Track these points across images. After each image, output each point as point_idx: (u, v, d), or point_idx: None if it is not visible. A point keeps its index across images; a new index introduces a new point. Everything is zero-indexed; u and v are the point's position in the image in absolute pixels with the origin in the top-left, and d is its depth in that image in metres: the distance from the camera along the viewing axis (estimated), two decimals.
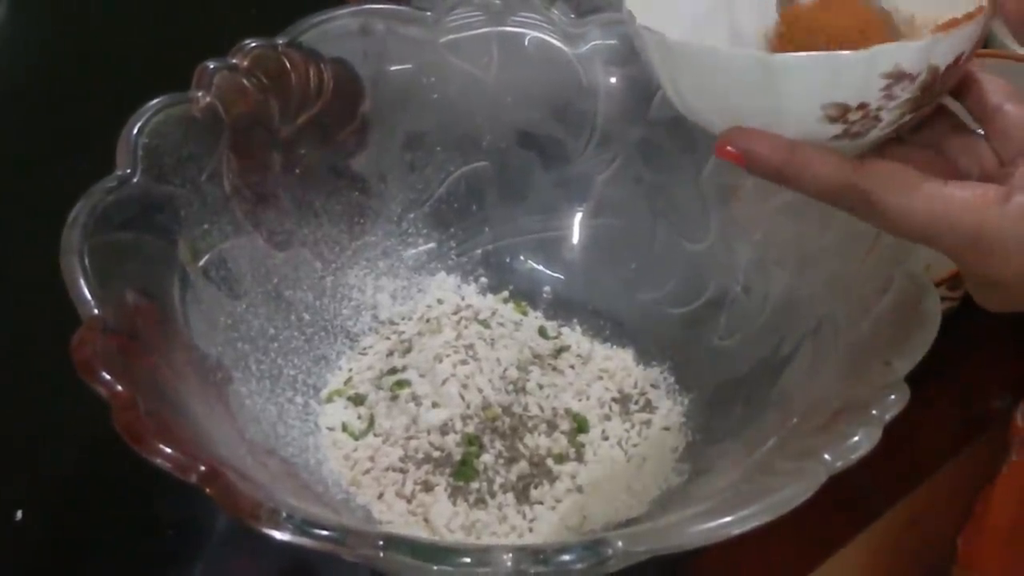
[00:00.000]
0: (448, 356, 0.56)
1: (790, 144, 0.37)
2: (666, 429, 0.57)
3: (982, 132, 0.38)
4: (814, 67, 0.35)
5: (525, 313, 0.63)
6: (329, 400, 0.57)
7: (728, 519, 0.37)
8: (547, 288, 0.64)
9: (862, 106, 0.36)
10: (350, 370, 0.59)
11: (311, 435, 0.54)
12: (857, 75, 0.35)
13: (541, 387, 0.57)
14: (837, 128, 0.36)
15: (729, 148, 0.38)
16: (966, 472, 0.60)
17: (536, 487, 0.52)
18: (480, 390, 0.55)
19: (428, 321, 0.60)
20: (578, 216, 0.65)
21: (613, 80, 0.63)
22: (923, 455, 0.58)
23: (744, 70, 0.36)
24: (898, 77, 0.35)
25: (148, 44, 0.87)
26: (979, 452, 0.60)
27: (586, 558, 0.36)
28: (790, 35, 0.42)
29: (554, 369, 0.59)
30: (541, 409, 0.56)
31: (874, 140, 0.38)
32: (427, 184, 0.64)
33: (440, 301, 0.63)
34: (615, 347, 0.61)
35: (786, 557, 0.54)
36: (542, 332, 0.62)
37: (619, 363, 0.60)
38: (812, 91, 0.36)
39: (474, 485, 0.52)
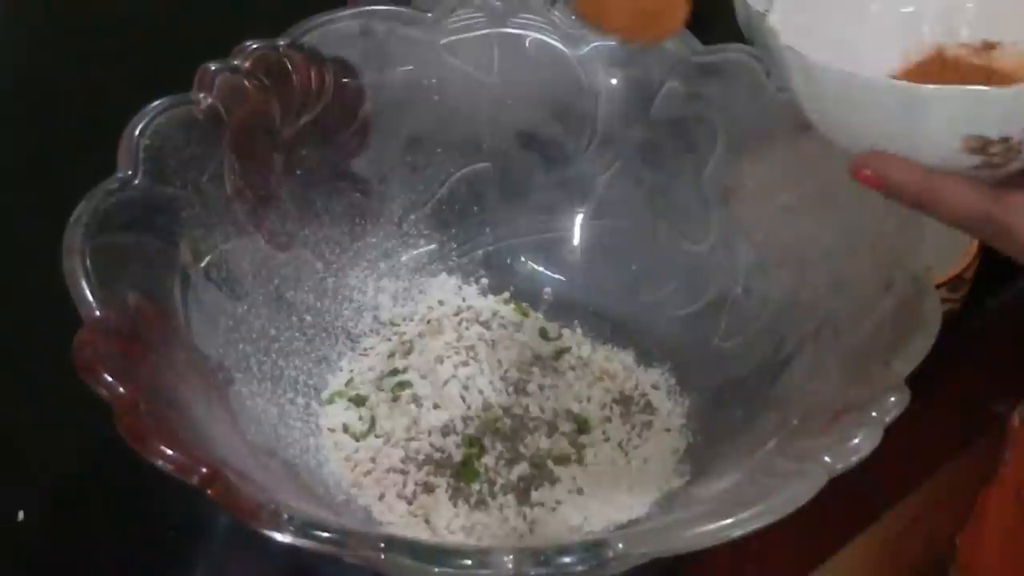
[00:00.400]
0: (449, 357, 0.56)
1: (927, 172, 0.37)
2: (667, 430, 0.57)
3: None
4: (959, 101, 0.36)
5: (526, 314, 0.63)
6: (330, 401, 0.57)
7: (729, 521, 0.37)
8: (548, 289, 0.65)
9: (1004, 139, 0.36)
10: (351, 371, 0.59)
11: (312, 436, 0.54)
12: (1001, 110, 0.35)
13: (542, 388, 0.57)
14: (976, 159, 0.37)
15: (866, 171, 0.38)
16: (966, 473, 0.60)
17: (537, 489, 0.52)
18: (481, 391, 0.55)
19: (429, 322, 0.61)
20: (579, 217, 0.65)
21: (614, 81, 0.63)
22: (923, 456, 0.58)
23: (888, 98, 0.37)
24: None
25: (149, 45, 0.87)
26: (979, 453, 0.60)
27: (587, 560, 0.36)
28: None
29: (555, 370, 0.59)
30: (542, 411, 0.56)
31: (1014, 170, 0.38)
32: (428, 185, 0.64)
33: (441, 302, 0.63)
34: (616, 348, 0.61)
35: (786, 558, 0.54)
36: (543, 333, 0.62)
37: (620, 364, 0.60)
38: (955, 123, 0.36)
39: (475, 487, 0.52)
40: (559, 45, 0.62)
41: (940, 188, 0.37)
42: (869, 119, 0.38)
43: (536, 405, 0.56)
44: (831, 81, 0.38)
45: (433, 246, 0.65)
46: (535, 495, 0.52)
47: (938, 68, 0.44)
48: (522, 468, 0.53)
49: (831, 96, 0.39)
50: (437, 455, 0.53)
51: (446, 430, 0.54)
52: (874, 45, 0.45)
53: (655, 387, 0.59)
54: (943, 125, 0.36)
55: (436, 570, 0.36)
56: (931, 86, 0.36)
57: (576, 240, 0.65)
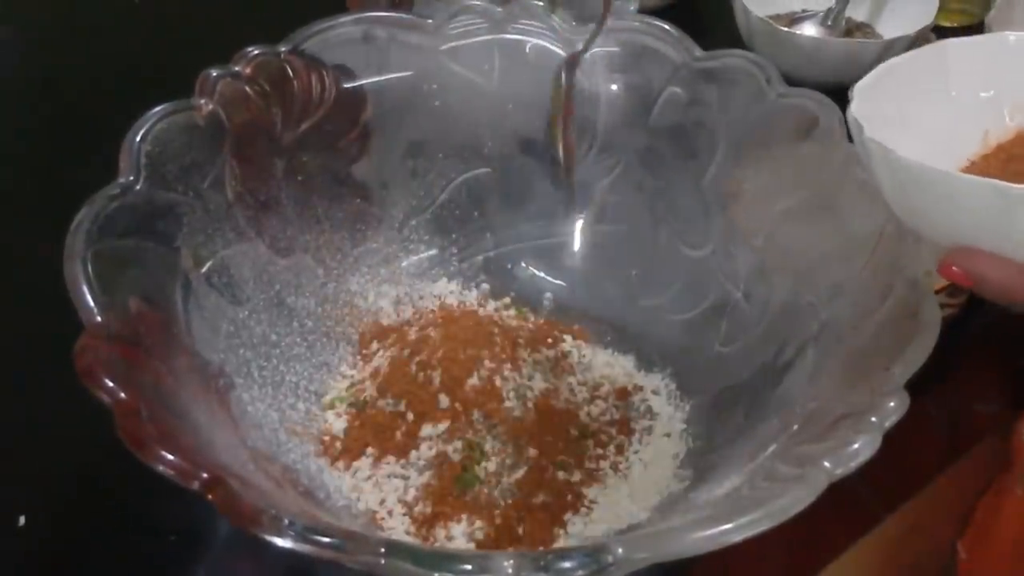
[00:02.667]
0: None
1: (1019, 268, 0.38)
2: (667, 435, 0.57)
3: None
4: None
5: (526, 319, 0.63)
6: (331, 406, 0.57)
7: (728, 526, 0.37)
8: (548, 294, 0.65)
9: None
10: (352, 376, 0.59)
11: (313, 441, 0.54)
12: None
13: (542, 394, 0.57)
14: None
15: (955, 268, 0.39)
16: (966, 478, 0.60)
17: (537, 494, 0.52)
18: None
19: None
20: (579, 223, 0.65)
21: (614, 87, 0.63)
22: (923, 461, 0.58)
23: (979, 197, 0.37)
24: None
25: (151, 51, 0.87)
26: (978, 458, 0.60)
27: (587, 565, 0.36)
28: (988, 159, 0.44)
29: (555, 376, 0.59)
30: (542, 416, 0.56)
31: None
32: (429, 191, 0.64)
33: (442, 308, 0.63)
34: (616, 353, 0.62)
35: (786, 562, 0.54)
36: (543, 339, 0.62)
37: (620, 369, 0.60)
38: None
39: (475, 491, 0.52)
40: (560, 51, 0.63)
41: None
42: (957, 215, 0.38)
43: (536, 410, 0.56)
44: (920, 178, 0.39)
45: (434, 251, 0.65)
46: (535, 500, 0.52)
47: (1020, 152, 0.45)
48: (522, 473, 0.53)
49: (917, 190, 0.39)
50: (437, 460, 0.53)
51: (446, 435, 0.54)
52: (954, 128, 0.46)
53: (655, 392, 0.59)
54: None
55: (436, 575, 0.36)
56: (1020, 187, 0.36)
57: (576, 245, 0.65)
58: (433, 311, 0.62)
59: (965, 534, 0.58)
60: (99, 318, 0.42)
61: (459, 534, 0.50)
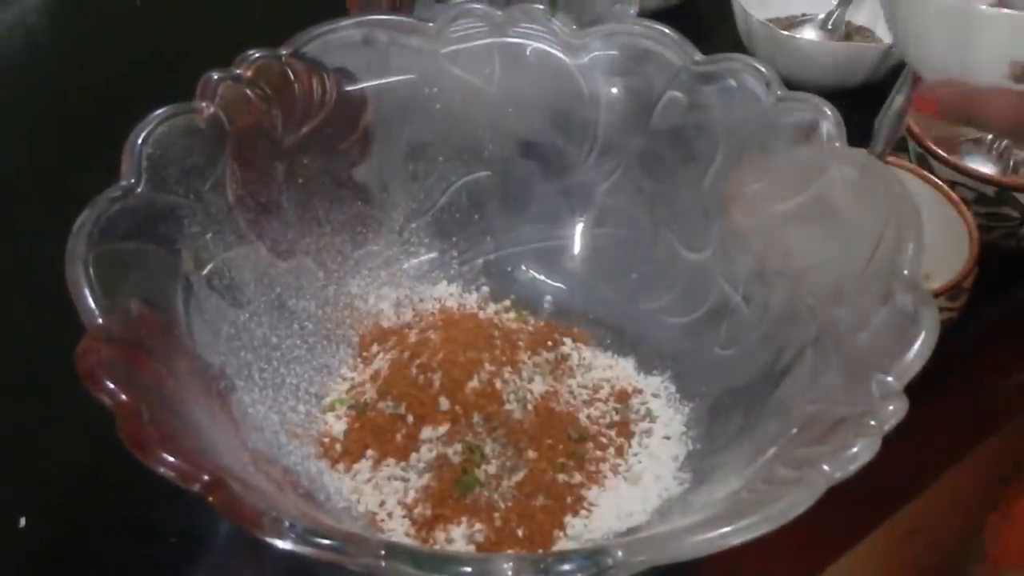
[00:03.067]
0: None
1: (972, 89, 0.40)
2: (667, 438, 0.57)
3: None
4: (1008, 24, 0.38)
5: (526, 322, 0.63)
6: (331, 408, 0.57)
7: (728, 529, 0.37)
8: (548, 297, 0.65)
9: None
10: (352, 379, 0.59)
11: (313, 443, 0.54)
12: None
13: (542, 396, 0.57)
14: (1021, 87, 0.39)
15: (927, 98, 0.43)
16: (966, 480, 0.61)
17: (536, 496, 0.52)
18: None
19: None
20: (579, 226, 0.65)
21: (614, 90, 0.63)
22: (923, 464, 0.58)
23: (947, 18, 0.39)
24: None
25: (152, 54, 0.87)
26: (980, 460, 0.61)
27: (586, 568, 0.36)
28: None
29: (555, 378, 0.59)
30: (542, 418, 0.56)
31: None
32: (429, 194, 0.64)
33: (442, 311, 0.63)
34: (616, 356, 0.62)
35: (787, 565, 0.54)
36: (543, 342, 0.62)
37: (620, 372, 0.61)
38: (1003, 46, 0.38)
39: (475, 494, 0.52)
40: (560, 54, 0.63)
41: (984, 101, 0.40)
42: (935, 39, 0.41)
43: (536, 413, 0.56)
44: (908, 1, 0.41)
45: (434, 254, 0.65)
46: (535, 503, 0.52)
47: None
48: (522, 476, 0.53)
49: (912, 16, 0.42)
50: (437, 463, 0.53)
51: (446, 438, 0.54)
52: None
53: (655, 395, 0.59)
54: (993, 47, 0.38)
55: None
56: (984, 8, 0.38)
57: (576, 248, 0.65)
58: (433, 314, 0.63)
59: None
60: (100, 320, 0.42)
61: (459, 536, 0.50)
